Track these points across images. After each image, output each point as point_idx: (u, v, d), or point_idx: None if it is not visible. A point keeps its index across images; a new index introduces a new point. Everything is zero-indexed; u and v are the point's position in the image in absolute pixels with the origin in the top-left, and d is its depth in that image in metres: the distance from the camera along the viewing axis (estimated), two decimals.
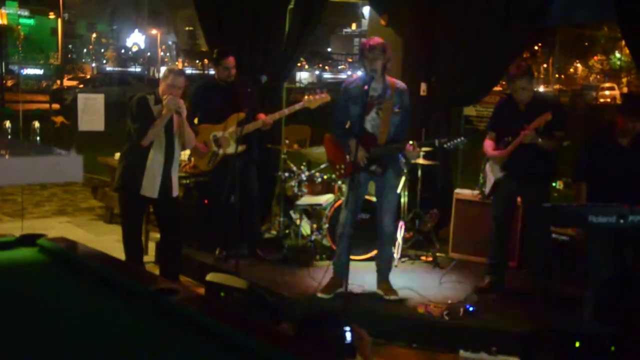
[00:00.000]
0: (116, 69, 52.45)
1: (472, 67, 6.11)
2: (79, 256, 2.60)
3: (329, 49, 68.05)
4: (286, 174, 6.27)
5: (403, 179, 5.74)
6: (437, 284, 5.34)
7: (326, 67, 65.62)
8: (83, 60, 61.46)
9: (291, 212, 6.33)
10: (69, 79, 38.03)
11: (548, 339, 4.05)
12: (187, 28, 62.40)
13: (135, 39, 59.75)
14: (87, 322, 2.03)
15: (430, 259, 5.90)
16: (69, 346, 1.83)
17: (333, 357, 1.96)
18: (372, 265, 5.15)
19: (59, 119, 15.71)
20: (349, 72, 54.12)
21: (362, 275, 5.27)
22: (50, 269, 2.53)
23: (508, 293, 5.15)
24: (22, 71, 47.67)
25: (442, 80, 6.39)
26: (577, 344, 3.75)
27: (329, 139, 5.11)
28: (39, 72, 49.90)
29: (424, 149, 5.92)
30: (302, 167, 6.33)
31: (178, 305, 2.06)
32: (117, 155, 5.67)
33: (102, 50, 64.97)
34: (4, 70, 27.37)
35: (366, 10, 10.02)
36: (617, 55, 43.29)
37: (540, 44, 36.59)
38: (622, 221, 3.83)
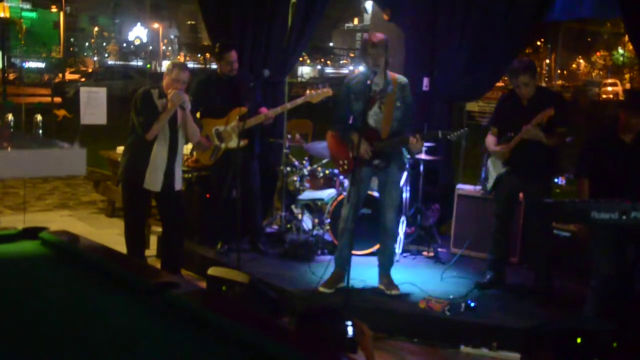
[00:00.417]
0: (118, 62, 52.40)
1: (475, 63, 6.09)
2: (80, 249, 2.60)
3: (331, 44, 67.90)
4: (288, 169, 6.27)
5: (405, 174, 5.73)
6: (438, 279, 5.34)
7: (328, 62, 65.48)
8: (85, 53, 61.41)
9: (293, 207, 6.32)
10: (71, 73, 38.02)
11: (549, 335, 4.06)
12: (189, 22, 62.35)
13: (138, 33, 59.69)
14: (88, 315, 2.03)
15: (431, 254, 5.91)
16: (71, 339, 1.83)
17: (334, 352, 1.96)
18: (374, 260, 5.16)
19: (61, 113, 15.71)
20: (351, 67, 54.00)
21: (364, 270, 5.28)
22: (52, 262, 2.53)
23: (509, 289, 5.15)
24: (24, 64, 47.71)
25: (445, 76, 6.38)
26: (579, 340, 3.76)
27: (332, 135, 5.10)
28: (41, 65, 49.89)
29: (426, 144, 5.92)
30: (304, 162, 6.33)
31: (179, 299, 2.06)
32: (120, 148, 5.67)
33: (104, 43, 64.89)
34: (6, 64, 27.36)
35: (369, 4, 9.99)
36: (620, 51, 43.21)
37: (542, 40, 36.48)
38: (624, 217, 3.83)
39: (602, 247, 4.26)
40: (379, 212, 5.06)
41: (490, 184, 5.10)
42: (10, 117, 6.53)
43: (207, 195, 6.07)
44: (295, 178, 6.22)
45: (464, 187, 6.14)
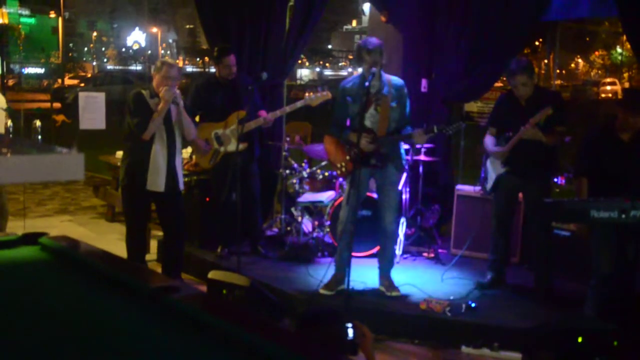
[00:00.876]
0: (117, 67, 52.40)
1: (473, 64, 6.10)
2: (81, 254, 2.60)
3: (330, 46, 67.96)
4: (287, 171, 6.28)
5: (404, 175, 5.74)
6: (439, 280, 5.35)
7: (327, 64, 65.54)
8: (84, 58, 61.43)
9: (292, 209, 6.33)
10: (70, 78, 38.04)
11: (550, 335, 4.06)
12: (187, 26, 62.35)
13: (136, 37, 59.70)
14: (89, 320, 2.03)
15: (432, 255, 5.91)
16: (71, 344, 1.83)
17: (335, 354, 1.96)
18: (374, 261, 5.16)
19: (60, 118, 15.69)
20: (350, 69, 54.06)
21: (364, 272, 5.28)
22: (52, 267, 2.53)
23: (510, 289, 5.15)
24: (23, 70, 47.71)
25: (443, 77, 6.39)
26: (579, 340, 3.76)
27: (329, 138, 5.11)
28: (40, 71, 49.90)
29: (425, 145, 5.93)
30: (303, 164, 6.34)
31: (180, 303, 2.06)
32: (119, 153, 5.67)
33: (103, 48, 64.92)
34: (5, 70, 27.39)
35: (366, 6, 10.02)
36: (619, 50, 43.25)
37: (541, 40, 36.46)
38: (623, 216, 3.83)
39: (602, 246, 4.26)
40: (378, 213, 5.07)
41: (489, 185, 5.11)
42: (9, 122, 6.53)
43: (207, 199, 6.07)
44: (294, 181, 6.22)
45: (463, 188, 6.14)
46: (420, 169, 6.06)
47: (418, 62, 6.52)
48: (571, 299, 4.84)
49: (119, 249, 5.02)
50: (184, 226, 5.35)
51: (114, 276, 2.31)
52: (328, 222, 5.87)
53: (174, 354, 1.80)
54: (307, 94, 5.65)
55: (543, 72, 38.73)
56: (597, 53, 46.69)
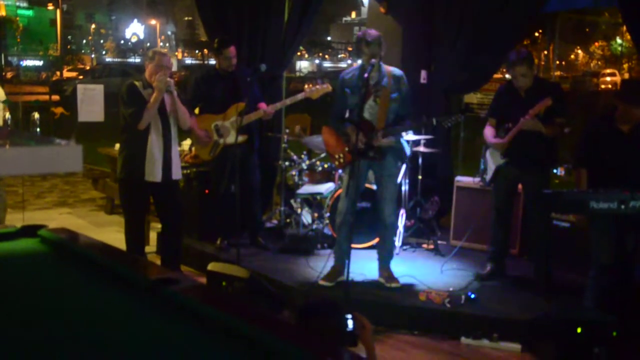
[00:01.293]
0: (116, 59, 52.32)
1: (472, 54, 6.08)
2: (80, 247, 2.60)
3: (329, 38, 67.83)
4: (287, 163, 6.27)
5: (404, 167, 5.74)
6: (438, 271, 5.35)
7: (326, 56, 65.45)
8: (82, 51, 61.28)
9: (292, 201, 6.33)
10: (69, 70, 37.93)
11: (549, 326, 4.06)
12: (186, 18, 62.20)
13: (134, 30, 59.57)
14: (88, 312, 2.03)
15: (431, 246, 5.91)
16: (71, 336, 1.83)
17: (335, 345, 1.96)
18: (374, 253, 5.16)
19: (59, 110, 15.67)
20: (349, 61, 53.99)
21: (364, 264, 5.28)
22: (51, 259, 2.53)
23: (509, 280, 5.16)
24: (21, 63, 47.59)
25: (442, 68, 6.37)
26: (579, 330, 3.77)
27: (327, 129, 5.11)
28: (38, 63, 49.77)
29: (424, 136, 5.92)
30: (303, 156, 6.33)
31: (179, 295, 2.06)
32: (117, 146, 5.67)
33: (102, 41, 64.78)
34: (3, 62, 27.32)
35: None
36: (618, 41, 43.16)
37: (540, 31, 36.40)
38: (623, 207, 3.84)
39: (601, 237, 4.26)
40: (377, 205, 5.07)
41: (489, 176, 5.10)
42: (7, 115, 6.52)
43: (206, 191, 6.07)
44: (293, 172, 6.22)
45: (463, 179, 6.14)
46: (420, 160, 6.06)
47: (417, 54, 6.51)
48: (570, 290, 4.85)
49: (118, 241, 5.02)
50: (182, 217, 5.34)
51: (113, 268, 2.31)
52: (327, 214, 5.87)
53: (174, 345, 1.80)
54: (306, 86, 5.64)
55: (543, 63, 38.69)
56: (596, 44, 46.59)
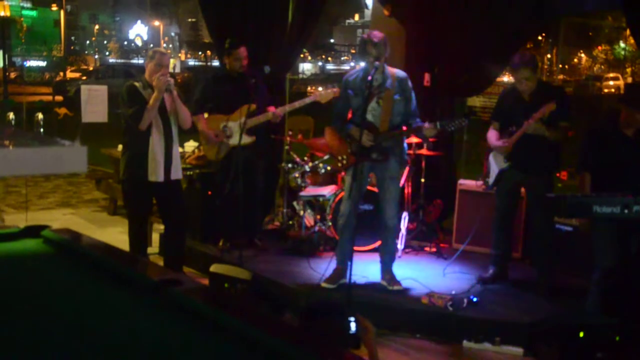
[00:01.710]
0: (119, 60, 52.37)
1: (476, 58, 6.08)
2: (83, 247, 2.60)
3: (332, 40, 67.86)
4: (289, 165, 6.27)
5: (407, 169, 5.73)
6: (440, 274, 5.34)
7: (329, 58, 65.47)
8: (86, 52, 61.41)
9: (295, 204, 6.32)
10: (72, 71, 38.01)
11: (552, 330, 4.06)
12: (189, 19, 62.23)
13: (138, 31, 59.66)
14: (91, 312, 2.03)
15: (433, 249, 5.90)
16: (74, 336, 1.83)
17: (337, 348, 1.96)
18: (376, 256, 5.16)
19: (62, 111, 15.72)
20: (352, 63, 53.98)
21: (366, 266, 5.27)
22: (54, 260, 2.53)
23: (512, 284, 5.15)
24: (25, 63, 47.72)
25: (446, 71, 6.37)
26: (581, 334, 3.76)
27: (330, 131, 5.11)
28: (42, 64, 49.90)
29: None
30: (306, 158, 6.33)
31: (182, 296, 2.06)
32: (120, 147, 5.67)
33: (105, 41, 64.88)
34: (7, 63, 27.38)
35: (369, 0, 9.98)
36: (622, 45, 43.11)
37: (544, 34, 36.42)
38: (626, 211, 3.83)
39: (604, 240, 4.25)
40: (379, 208, 5.06)
41: (492, 179, 5.10)
42: (11, 115, 6.53)
43: (209, 193, 6.07)
44: (296, 174, 6.21)
45: (465, 182, 6.13)
46: (423, 163, 6.05)
47: (421, 56, 6.50)
48: (573, 294, 4.83)
49: (121, 242, 5.02)
50: (185, 217, 5.35)
51: (116, 269, 2.31)
52: (330, 216, 5.87)
53: (176, 346, 1.80)
54: (317, 91, 5.67)
55: (546, 67, 38.66)
56: (600, 48, 46.54)
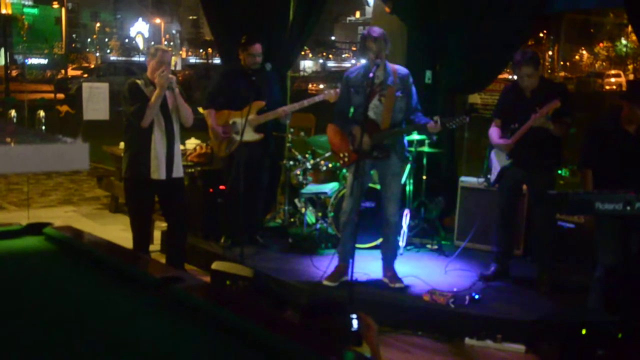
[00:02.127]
0: (120, 58, 52.36)
1: (477, 55, 6.07)
2: (84, 245, 2.60)
3: (333, 38, 67.80)
4: (291, 163, 6.27)
5: (408, 167, 5.73)
6: (442, 272, 5.34)
7: (330, 56, 65.41)
8: (87, 49, 61.41)
9: (296, 201, 6.32)
10: (73, 69, 38.03)
11: (553, 327, 4.06)
12: (190, 17, 62.22)
13: (139, 28, 59.65)
14: (92, 310, 2.04)
15: (435, 247, 5.90)
16: (76, 334, 1.84)
17: (339, 345, 1.96)
18: (378, 253, 5.16)
19: (64, 108, 15.72)
20: (353, 61, 53.94)
21: (368, 263, 5.27)
22: (56, 257, 2.53)
23: (513, 281, 5.15)
24: (26, 61, 47.74)
25: (447, 68, 6.36)
26: (583, 332, 3.76)
27: (332, 128, 5.10)
28: (44, 61, 49.90)
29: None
30: (307, 156, 6.33)
31: (184, 293, 2.06)
32: (122, 144, 5.67)
33: (106, 39, 64.88)
34: (8, 60, 27.39)
35: None
36: (623, 41, 43.04)
37: (545, 31, 36.36)
38: (628, 208, 3.82)
39: (607, 238, 4.25)
40: (381, 205, 5.06)
41: (493, 176, 5.09)
42: (13, 113, 6.53)
43: (210, 190, 6.07)
44: (298, 172, 6.21)
45: (467, 180, 6.13)
46: (424, 160, 6.05)
47: (422, 53, 6.49)
48: (575, 291, 4.84)
49: (123, 240, 5.02)
50: (187, 215, 5.35)
51: (118, 266, 2.31)
52: (331, 214, 5.87)
53: (178, 344, 1.80)
54: (326, 90, 5.69)
55: (547, 64, 38.60)
56: (601, 45, 46.45)
